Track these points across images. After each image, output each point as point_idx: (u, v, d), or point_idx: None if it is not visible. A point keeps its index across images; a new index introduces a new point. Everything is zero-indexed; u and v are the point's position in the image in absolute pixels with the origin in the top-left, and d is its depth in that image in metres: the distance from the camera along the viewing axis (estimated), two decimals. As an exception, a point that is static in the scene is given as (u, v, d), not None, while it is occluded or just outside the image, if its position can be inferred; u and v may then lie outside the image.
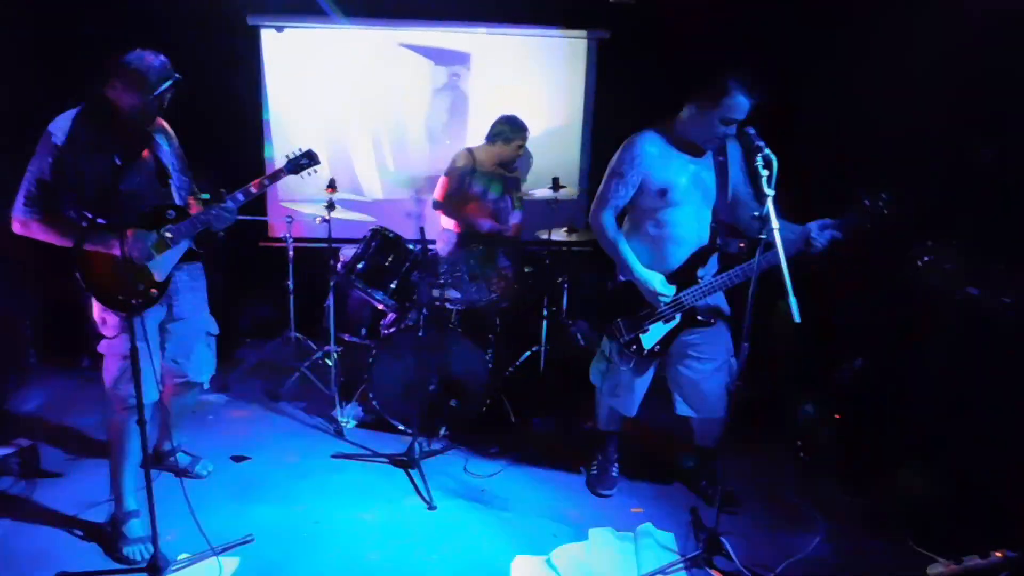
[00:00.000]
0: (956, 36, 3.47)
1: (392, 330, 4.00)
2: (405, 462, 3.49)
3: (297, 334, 4.62)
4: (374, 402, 3.85)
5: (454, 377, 3.83)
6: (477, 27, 5.34)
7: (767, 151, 2.43)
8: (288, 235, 4.52)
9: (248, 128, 5.32)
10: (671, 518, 3.14)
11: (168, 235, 2.71)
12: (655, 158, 2.91)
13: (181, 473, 3.26)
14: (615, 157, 2.99)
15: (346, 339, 4.39)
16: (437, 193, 4.59)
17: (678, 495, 3.36)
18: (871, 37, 4.17)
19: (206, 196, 2.94)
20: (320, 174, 3.18)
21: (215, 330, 3.12)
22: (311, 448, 3.70)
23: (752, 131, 2.53)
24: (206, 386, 3.19)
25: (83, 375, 4.37)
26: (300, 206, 4.41)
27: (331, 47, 5.30)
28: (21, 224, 2.60)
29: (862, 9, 4.24)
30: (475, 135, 5.12)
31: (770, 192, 2.40)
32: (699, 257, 2.99)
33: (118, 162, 2.46)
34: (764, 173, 2.42)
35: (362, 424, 3.98)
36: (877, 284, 3.85)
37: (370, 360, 3.81)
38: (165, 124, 2.90)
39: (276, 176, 2.96)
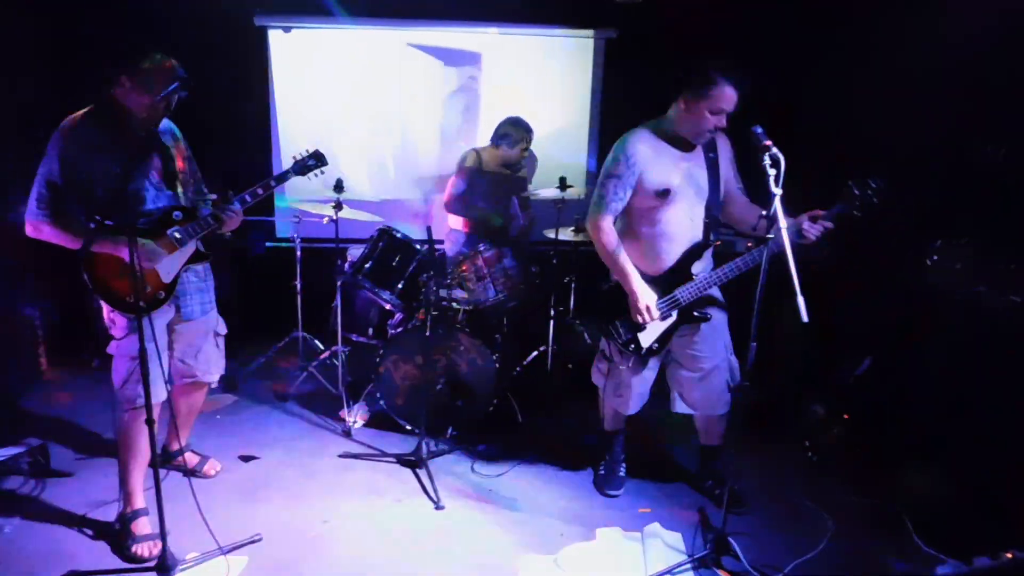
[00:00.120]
0: (956, 36, 3.46)
1: (399, 330, 4.00)
2: (412, 462, 3.50)
3: (304, 334, 4.64)
4: (381, 402, 3.86)
5: (461, 377, 3.83)
6: (486, 27, 5.34)
7: (775, 150, 2.43)
8: (295, 235, 4.53)
9: (255, 129, 5.34)
10: (679, 518, 3.13)
11: (177, 236, 2.72)
12: (648, 156, 2.91)
13: (189, 472, 3.28)
14: (609, 159, 2.98)
15: (353, 339, 4.41)
16: (447, 192, 4.59)
17: (685, 495, 3.35)
18: (872, 37, 4.18)
19: (213, 197, 2.95)
20: (327, 175, 3.19)
21: (223, 330, 3.13)
22: (319, 448, 3.71)
23: (759, 130, 2.52)
24: (214, 386, 3.21)
25: (93, 375, 4.41)
26: (308, 206, 4.43)
27: (338, 47, 5.31)
28: (33, 227, 2.61)
29: (863, 9, 4.24)
30: (485, 135, 5.13)
31: (777, 191, 2.40)
32: (693, 254, 2.98)
33: (126, 163, 2.48)
34: (771, 172, 2.41)
35: (369, 424, 3.99)
36: (885, 283, 3.84)
37: (377, 360, 3.82)
38: (173, 125, 2.92)
39: (283, 177, 2.97)
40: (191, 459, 3.36)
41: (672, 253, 2.99)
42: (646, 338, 3.06)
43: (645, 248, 3.01)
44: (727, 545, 2.74)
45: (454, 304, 3.97)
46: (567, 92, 5.55)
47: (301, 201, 4.54)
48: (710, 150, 2.97)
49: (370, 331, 4.42)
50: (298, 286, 4.54)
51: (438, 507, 3.17)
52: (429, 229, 3.53)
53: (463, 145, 5.23)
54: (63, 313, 4.64)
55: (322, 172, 3.08)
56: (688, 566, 2.76)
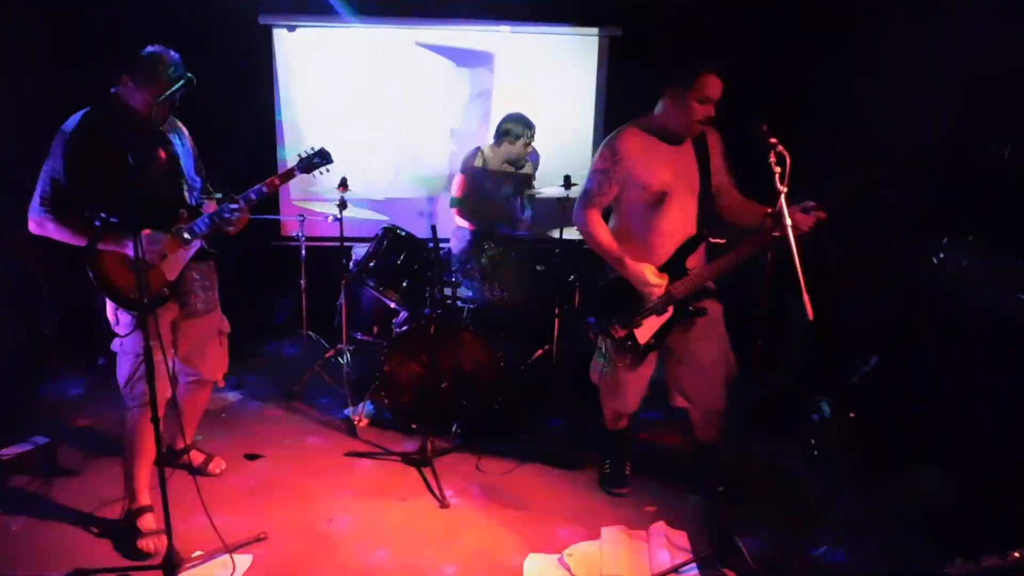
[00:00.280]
0: (958, 35, 3.45)
1: (404, 328, 4.00)
2: (418, 460, 3.50)
3: (310, 332, 4.64)
4: (386, 400, 3.86)
5: (466, 375, 3.83)
6: (497, 25, 5.32)
7: (780, 148, 2.43)
8: (300, 234, 4.53)
9: (260, 127, 5.34)
10: (684, 516, 3.12)
11: (185, 235, 2.73)
12: (637, 152, 2.91)
13: (195, 471, 3.28)
14: (598, 154, 2.99)
15: (358, 337, 4.40)
16: (455, 190, 4.59)
17: (691, 494, 3.34)
18: (873, 36, 4.16)
19: (219, 195, 2.95)
20: (332, 173, 3.18)
21: (228, 328, 3.14)
22: (324, 446, 3.71)
23: (765, 128, 2.52)
24: (219, 384, 3.21)
25: (99, 373, 4.41)
26: (312, 205, 4.43)
27: (343, 46, 5.32)
28: (37, 224, 2.62)
29: (865, 9, 4.22)
30: (492, 134, 5.14)
31: (783, 188, 2.40)
32: (687, 248, 2.97)
33: (131, 161, 2.48)
34: (777, 170, 2.41)
35: (375, 422, 3.99)
36: (891, 282, 3.82)
37: (382, 358, 3.81)
38: (179, 123, 2.92)
39: (288, 175, 2.96)
40: (196, 457, 3.37)
41: (666, 248, 2.98)
42: (643, 334, 3.05)
43: (639, 244, 3.00)
44: (732, 543, 2.74)
45: (459, 302, 3.96)
46: (572, 90, 5.54)
47: (306, 200, 4.54)
48: (700, 144, 2.98)
49: (375, 329, 4.42)
50: (303, 285, 4.54)
51: (443, 505, 3.17)
52: (434, 228, 3.53)
53: (470, 144, 5.22)
54: (70, 311, 4.65)
55: (327, 170, 3.07)
56: (693, 565, 2.75)
